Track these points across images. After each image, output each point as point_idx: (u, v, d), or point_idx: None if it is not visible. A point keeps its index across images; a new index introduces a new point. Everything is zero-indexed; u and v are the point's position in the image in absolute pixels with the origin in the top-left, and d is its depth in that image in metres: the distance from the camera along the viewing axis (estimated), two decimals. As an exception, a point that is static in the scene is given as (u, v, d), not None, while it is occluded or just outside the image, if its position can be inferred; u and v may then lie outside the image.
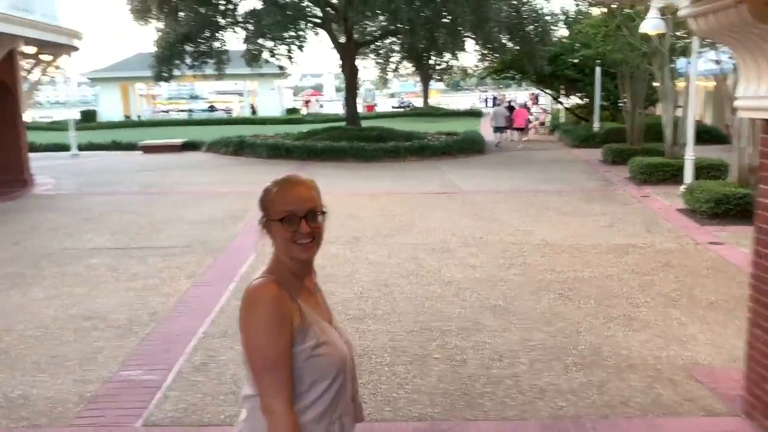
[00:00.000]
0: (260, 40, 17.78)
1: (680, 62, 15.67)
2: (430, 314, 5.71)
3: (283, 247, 1.73)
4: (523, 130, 24.02)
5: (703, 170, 12.70)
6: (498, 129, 23.08)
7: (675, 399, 4.13)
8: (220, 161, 18.73)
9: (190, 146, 22.03)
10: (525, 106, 30.56)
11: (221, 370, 4.57)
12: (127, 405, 4.11)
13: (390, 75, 48.27)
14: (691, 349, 4.91)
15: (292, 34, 18.36)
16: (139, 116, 46.49)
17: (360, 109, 56.79)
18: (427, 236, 8.90)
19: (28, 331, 5.43)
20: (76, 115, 52.70)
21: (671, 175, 13.34)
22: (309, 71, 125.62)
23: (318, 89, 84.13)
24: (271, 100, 47.22)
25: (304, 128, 25.37)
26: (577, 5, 18.91)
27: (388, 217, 10.28)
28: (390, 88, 77.50)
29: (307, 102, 58.84)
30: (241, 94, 53.06)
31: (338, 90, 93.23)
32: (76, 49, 14.27)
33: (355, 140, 19.24)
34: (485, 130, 26.13)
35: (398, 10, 15.27)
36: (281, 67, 20.87)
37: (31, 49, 12.15)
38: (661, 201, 11.50)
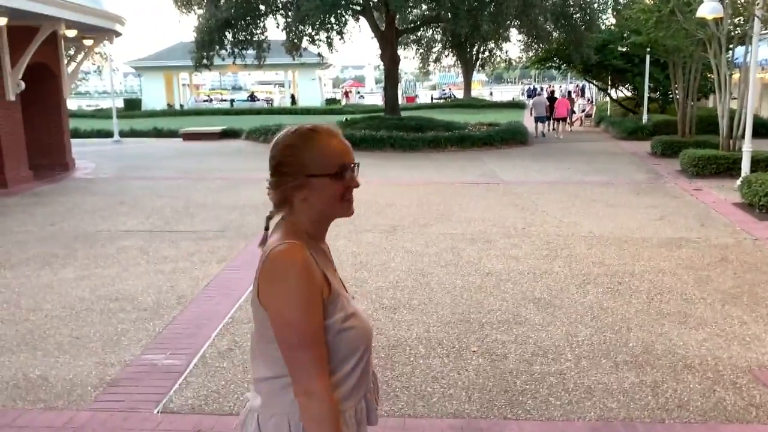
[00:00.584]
0: (300, 27, 17.53)
1: (737, 52, 14.85)
2: (468, 306, 5.39)
3: (328, 206, 1.53)
4: (564, 120, 23.22)
5: (761, 164, 12.01)
6: (539, 119, 22.30)
7: (740, 404, 3.73)
8: (259, 149, 18.63)
9: (229, 134, 22.08)
10: (568, 96, 29.82)
11: (247, 356, 4.34)
12: (148, 390, 3.92)
13: (431, 66, 47.99)
14: (755, 350, 4.48)
15: (332, 20, 18.12)
16: (181, 105, 47.09)
17: (401, 100, 57.03)
18: (466, 226, 8.56)
19: (54, 311, 5.32)
20: (120, 103, 53.94)
21: (726, 168, 12.69)
22: (351, 63, 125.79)
23: (360, 81, 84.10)
24: (311, 90, 47.28)
25: (344, 118, 25.14)
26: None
27: (426, 207, 9.96)
28: (431, 79, 77.00)
29: (347, 93, 58.76)
30: (282, 85, 53.34)
31: (378, 82, 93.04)
32: (119, 34, 14.29)
33: (395, 130, 18.93)
34: (528, 121, 25.50)
35: (441, -4, 14.88)
36: (320, 55, 20.64)
37: (72, 33, 12.17)
38: (715, 194, 10.89)
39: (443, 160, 16.17)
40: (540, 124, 22.43)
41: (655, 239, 7.81)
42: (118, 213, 9.51)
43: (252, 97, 52.66)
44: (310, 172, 1.50)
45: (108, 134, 22.59)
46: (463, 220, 8.93)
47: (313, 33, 18.97)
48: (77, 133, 23.87)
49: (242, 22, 17.73)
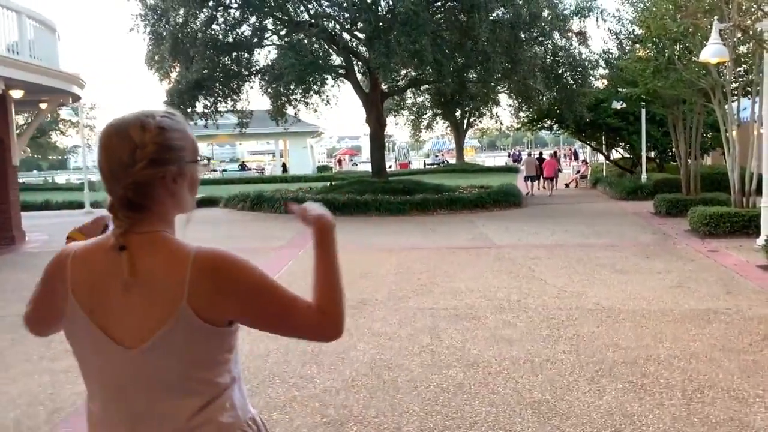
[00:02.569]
0: (277, 88, 16.68)
1: (740, 104, 13.96)
2: (444, 416, 4.00)
3: (191, 198, 1.38)
4: (552, 179, 24.10)
5: (780, 221, 10.79)
6: (528, 178, 23.41)
7: None
8: (235, 216, 17.49)
9: (207, 202, 20.91)
10: (554, 156, 29.48)
11: None
12: None
13: (423, 132, 47.68)
14: None
15: (309, 80, 17.34)
16: (170, 176, 46.26)
17: (393, 167, 56.54)
18: (450, 299, 7.22)
19: None
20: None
21: (741, 226, 11.47)
22: (348, 134, 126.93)
23: (356, 149, 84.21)
24: (302, 158, 46.73)
25: (328, 183, 24.10)
26: (620, 42, 17.31)
27: (407, 276, 8.64)
28: (423, 147, 77.12)
29: (340, 160, 58.39)
30: (274, 154, 52.92)
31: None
32: (77, 97, 13.34)
33: (381, 193, 17.81)
34: (522, 185, 24.60)
35: (422, 51, 14.02)
36: (298, 119, 19.78)
37: (18, 93, 11.16)
38: (735, 256, 9.60)
39: (431, 224, 14.95)
40: (530, 183, 23.32)
41: (677, 311, 6.46)
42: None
43: (243, 167, 52.14)
44: (189, 158, 1.32)
45: (80, 206, 21.45)
46: (447, 292, 7.59)
47: (291, 95, 18.10)
48: (49, 205, 22.84)
49: (216, 84, 16.88)
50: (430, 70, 14.94)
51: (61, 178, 61.01)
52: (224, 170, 54.48)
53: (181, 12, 16.40)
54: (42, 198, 23.85)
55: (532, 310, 6.66)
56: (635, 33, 16.01)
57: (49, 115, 38.03)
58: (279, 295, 1.32)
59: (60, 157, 78.21)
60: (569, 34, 20.71)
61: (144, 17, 17.67)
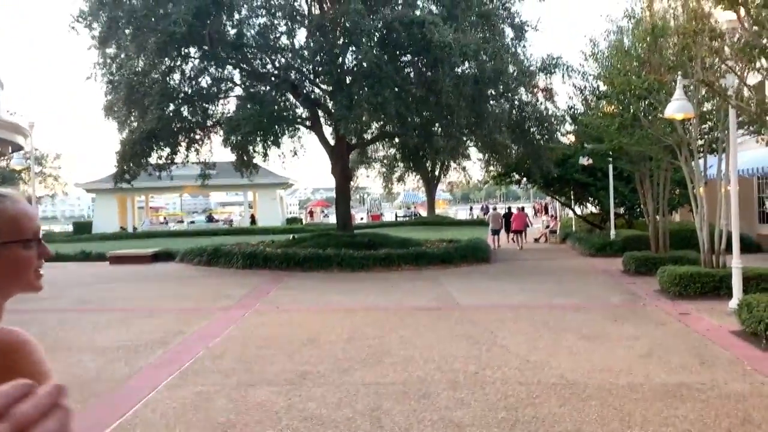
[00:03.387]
0: (236, 139, 16.15)
1: (707, 161, 13.79)
2: None
3: (21, 279, 1.28)
4: (521, 232, 24.03)
5: (751, 282, 10.40)
6: (494, 232, 23.94)
7: None
8: (189, 272, 16.64)
9: (164, 256, 20.05)
10: (522, 210, 29.40)
11: None
12: None
13: (395, 184, 47.53)
14: None
15: (272, 136, 16.91)
16: (134, 228, 45.21)
17: (365, 219, 56.07)
18: (401, 371, 6.53)
19: None
20: (69, 227, 51.84)
21: (712, 287, 11.09)
22: (322, 186, 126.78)
23: (329, 201, 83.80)
24: (271, 210, 46.03)
25: (291, 236, 23.38)
26: (585, 98, 17.22)
27: (358, 342, 7.94)
28: (396, 199, 77.01)
29: (311, 212, 57.75)
30: (243, 205, 52.13)
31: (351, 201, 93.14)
32: (18, 147, 12.63)
33: (344, 247, 17.19)
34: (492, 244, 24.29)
35: (385, 104, 13.67)
36: (255, 169, 19.22)
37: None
38: (707, 320, 9.12)
39: (395, 280, 14.31)
40: (495, 237, 23.79)
41: (647, 387, 5.87)
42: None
43: (210, 218, 51.16)
44: (2, 239, 1.25)
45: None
46: (399, 362, 6.91)
47: (250, 145, 17.57)
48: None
49: (170, 135, 16.29)
50: (395, 122, 14.58)
51: (50, 227, 59.44)
52: (192, 222, 53.56)
53: (140, 62, 15.94)
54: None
55: (490, 385, 6.01)
56: (600, 89, 15.89)
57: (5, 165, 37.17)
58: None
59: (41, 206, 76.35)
60: (535, 90, 20.73)
61: (102, 65, 17.17)
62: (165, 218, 57.03)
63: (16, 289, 1.29)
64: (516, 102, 19.86)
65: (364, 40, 13.29)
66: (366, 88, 14.07)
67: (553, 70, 20.72)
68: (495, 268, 16.97)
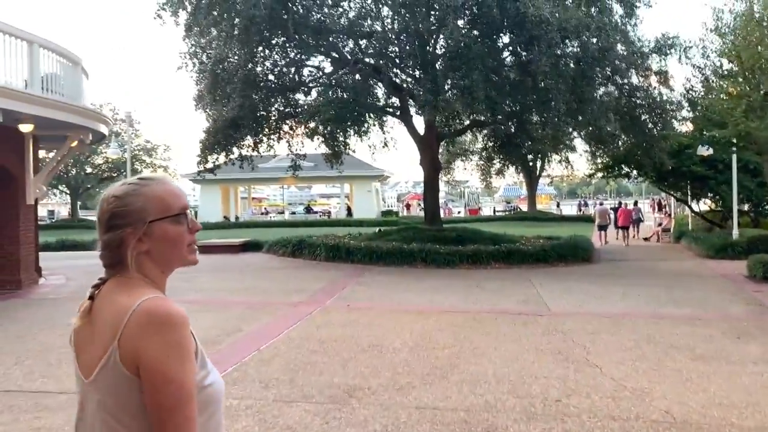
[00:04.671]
0: (316, 128, 15.54)
1: None
2: None
3: (172, 254, 1.42)
4: (627, 228, 23.25)
5: None
6: (602, 227, 23.02)
7: None
8: (272, 263, 16.30)
9: (252, 246, 19.95)
10: (635, 205, 27.56)
11: None
12: None
13: (493, 178, 45.80)
14: None
15: (354, 124, 16.19)
16: (237, 217, 46.43)
17: (463, 213, 54.65)
18: (467, 393, 5.51)
19: None
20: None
21: None
22: (422, 179, 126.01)
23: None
24: (367, 202, 45.78)
25: (377, 229, 22.62)
26: (706, 78, 15.18)
27: (424, 351, 6.98)
28: (497, 193, 74.85)
29: (408, 205, 57.12)
30: (346, 197, 52.33)
31: (449, 195, 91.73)
32: (100, 135, 12.63)
33: (430, 242, 16.22)
34: (598, 240, 22.61)
35: (474, 87, 12.51)
36: (337, 154, 18.55)
37: (26, 128, 10.44)
38: None
39: (481, 279, 13.18)
40: (602, 233, 22.80)
41: (784, 434, 4.52)
42: (2, 354, 7.01)
43: (308, 209, 51.73)
44: (151, 217, 1.38)
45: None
46: (467, 380, 5.88)
47: (331, 134, 16.90)
48: (89, 245, 22.49)
49: (252, 123, 15.94)
50: (484, 108, 13.39)
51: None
52: (293, 212, 54.56)
53: (224, 49, 15.70)
54: (93, 237, 23.56)
55: (573, 418, 4.87)
56: (723, 68, 13.89)
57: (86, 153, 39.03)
58: (166, 393, 1.26)
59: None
60: (647, 73, 18.74)
61: (192, 55, 17.12)
62: (266, 209, 58.41)
63: (173, 264, 1.45)
64: (625, 86, 18.00)
65: (450, 17, 12.20)
66: (453, 71, 12.99)
67: (668, 51, 18.61)
68: (596, 269, 15.40)
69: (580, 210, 52.20)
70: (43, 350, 7.04)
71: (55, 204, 73.78)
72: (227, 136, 15.82)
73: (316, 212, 52.44)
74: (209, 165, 16.93)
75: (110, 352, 1.29)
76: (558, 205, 56.09)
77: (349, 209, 46.96)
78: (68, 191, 48.98)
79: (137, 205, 1.37)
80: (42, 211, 75.13)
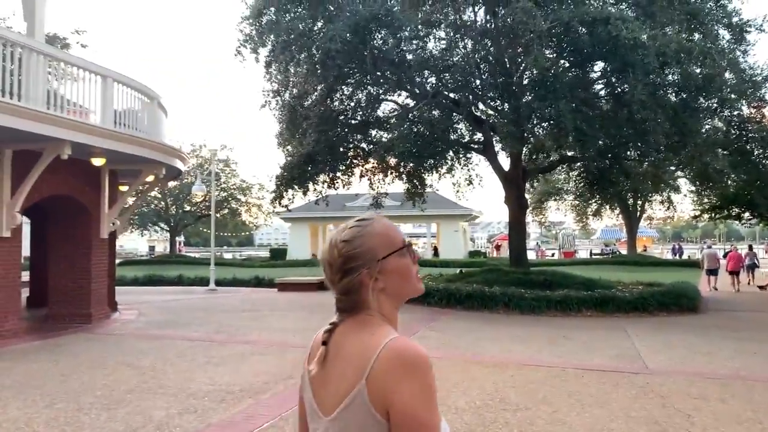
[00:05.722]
0: (389, 163, 14.96)
1: None
2: None
3: (405, 285, 1.42)
4: (737, 273, 22.20)
5: None
6: (710, 272, 22.10)
7: None
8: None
9: (323, 286, 19.52)
10: (750, 250, 26.09)
11: None
12: None
13: (590, 218, 43.58)
14: None
15: (431, 159, 15.49)
16: (324, 255, 46.62)
17: (557, 255, 52.28)
18: (535, 472, 4.52)
19: None
20: (265, 252, 55.19)
21: None
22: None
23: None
24: (454, 242, 44.74)
25: (458, 270, 21.62)
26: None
27: (490, 414, 6.00)
28: (593, 233, 71.48)
29: (498, 246, 55.38)
30: (432, 236, 51.57)
31: (543, 237, 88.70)
32: (178, 171, 12.63)
33: (516, 285, 15.08)
34: (706, 288, 20.64)
35: (560, 117, 11.50)
36: (418, 192, 17.82)
37: (98, 161, 10.50)
38: None
39: (569, 328, 11.93)
40: (712, 278, 21.93)
41: None
42: (39, 394, 6.69)
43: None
44: (381, 254, 1.39)
45: (207, 282, 21.06)
46: (539, 454, 4.88)
47: (407, 170, 16.25)
48: (181, 281, 22.88)
49: (327, 158, 15.56)
50: (572, 140, 12.32)
51: (247, 252, 64.81)
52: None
53: (313, 86, 15.55)
54: (179, 273, 24.04)
55: None
56: None
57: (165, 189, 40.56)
58: None
59: (247, 233, 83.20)
60: (761, 103, 17.00)
61: (275, 93, 17.16)
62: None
63: (403, 295, 1.43)
64: (735, 118, 16.35)
65: (535, 44, 11.35)
66: (538, 101, 12.07)
67: (783, 79, 16.85)
68: (703, 320, 13.70)
69: (675, 255, 48.62)
70: (81, 391, 6.65)
71: (157, 240, 77.55)
72: (303, 172, 15.55)
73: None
74: (285, 201, 16.72)
75: (357, 391, 1.28)
76: (676, 250, 52.01)
77: (435, 249, 46.08)
78: (167, 228, 51.17)
79: (367, 246, 1.39)
80: (143, 247, 79.31)
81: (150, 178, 12.41)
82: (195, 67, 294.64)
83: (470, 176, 19.37)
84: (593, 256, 49.01)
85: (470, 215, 45.92)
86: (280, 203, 16.67)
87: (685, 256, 47.23)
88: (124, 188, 12.50)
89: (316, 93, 14.86)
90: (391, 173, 16.82)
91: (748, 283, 23.17)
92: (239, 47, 14.97)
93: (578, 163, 17.49)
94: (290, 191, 16.36)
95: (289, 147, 16.26)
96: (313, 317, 13.13)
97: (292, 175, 15.57)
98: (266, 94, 17.19)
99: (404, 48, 14.93)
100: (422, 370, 1.26)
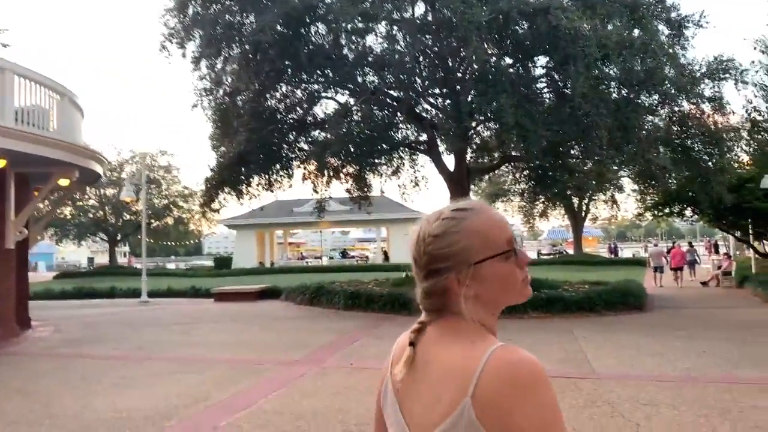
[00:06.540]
0: (323, 163, 14.22)
1: None
2: None
3: (505, 293, 1.20)
4: (680, 270, 22.64)
5: None
6: (657, 269, 22.75)
7: None
8: (286, 312, 14.90)
9: (270, 294, 18.65)
10: (690, 246, 27.15)
11: None
12: None
13: (536, 220, 43.83)
14: None
15: (369, 158, 14.87)
16: (272, 263, 45.50)
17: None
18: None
19: None
20: (208, 261, 53.68)
21: None
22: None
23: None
24: (405, 245, 44.19)
25: (404, 274, 21.07)
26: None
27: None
28: (541, 234, 72.41)
29: (449, 249, 55.32)
30: (382, 240, 51.06)
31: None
32: (97, 175, 11.64)
33: (461, 289, 14.55)
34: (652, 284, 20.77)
35: (501, 113, 11.04)
36: (363, 196, 17.19)
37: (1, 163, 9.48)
38: None
39: (514, 331, 11.42)
40: (658, 275, 22.44)
41: None
42: None
43: (344, 254, 50.56)
44: (476, 258, 1.17)
45: (140, 294, 19.85)
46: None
47: (341, 170, 15.58)
48: (111, 293, 21.60)
49: (260, 159, 14.71)
50: (514, 136, 11.88)
51: (193, 262, 63.05)
52: (331, 257, 53.64)
53: (244, 83, 14.68)
54: (111, 285, 22.70)
55: None
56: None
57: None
58: None
59: (195, 242, 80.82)
60: (700, 99, 17.00)
61: (208, 92, 16.22)
62: (302, 254, 57.56)
63: (502, 303, 1.23)
64: (676, 114, 16.28)
65: (473, 35, 10.86)
66: (478, 95, 11.60)
67: (722, 76, 16.87)
68: (651, 319, 13.46)
69: (612, 254, 49.70)
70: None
71: (98, 251, 74.60)
72: (235, 173, 14.68)
73: (352, 257, 51.20)
74: (216, 206, 15.78)
75: (461, 408, 1.09)
76: (612, 248, 53.12)
77: (385, 253, 45.54)
78: (107, 238, 49.12)
79: (460, 245, 1.18)
80: (79, 257, 76.21)
81: (64, 182, 11.37)
82: (139, 66, 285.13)
83: (416, 178, 18.85)
84: (541, 257, 49.33)
85: (420, 218, 45.48)
86: (210, 208, 15.72)
87: (628, 255, 48.10)
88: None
89: (249, 90, 14.02)
90: (333, 176, 16.11)
91: (690, 279, 23.43)
92: (164, 42, 14.03)
93: (522, 162, 17.17)
94: (221, 195, 15.46)
95: (222, 148, 15.34)
96: (248, 329, 12.31)
97: (223, 177, 14.67)
98: (198, 93, 16.26)
99: (342, 43, 14.27)
100: (543, 385, 1.08)
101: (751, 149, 18.04)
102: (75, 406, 6.37)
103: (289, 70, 14.00)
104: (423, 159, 18.98)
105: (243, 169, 14.74)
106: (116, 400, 6.58)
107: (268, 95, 14.73)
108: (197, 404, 6.37)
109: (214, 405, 6.37)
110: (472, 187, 19.62)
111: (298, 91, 15.47)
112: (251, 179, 15.63)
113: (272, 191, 16.37)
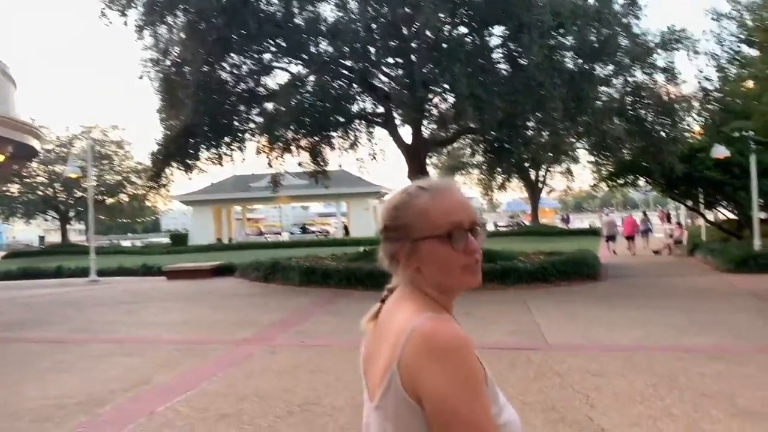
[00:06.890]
0: (274, 134, 13.80)
1: None
2: None
3: (445, 275, 1.22)
4: (632, 238, 23.32)
5: None
6: (609, 238, 23.53)
7: None
8: (238, 289, 14.58)
9: (225, 270, 18.26)
10: (644, 215, 27.51)
11: None
12: None
13: (495, 192, 44.12)
14: None
15: (324, 129, 14.52)
16: (230, 239, 44.82)
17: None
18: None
19: None
20: (166, 238, 52.64)
21: None
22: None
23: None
24: (365, 220, 44.11)
25: (361, 248, 20.88)
26: (721, 68, 13.47)
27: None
28: (499, 206, 73.18)
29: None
30: (343, 215, 50.74)
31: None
32: (33, 150, 11.05)
33: (419, 262, 14.44)
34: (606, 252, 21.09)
35: (455, 83, 10.83)
36: (323, 173, 16.86)
37: None
38: None
39: (468, 304, 11.30)
40: (611, 243, 23.23)
41: None
42: None
43: (304, 229, 50.13)
44: (416, 235, 1.23)
45: (104, 272, 19.18)
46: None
47: (292, 142, 15.20)
48: (60, 273, 20.89)
49: (207, 132, 14.21)
50: (469, 108, 11.70)
51: (150, 239, 61.68)
52: (292, 233, 53.05)
53: (190, 52, 14.08)
54: (58, 264, 21.93)
55: None
56: (742, 54, 12.20)
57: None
58: (455, 429, 1.06)
59: (152, 219, 78.80)
60: (653, 69, 17.07)
61: (154, 62, 15.55)
62: (261, 230, 56.86)
63: (447, 286, 1.24)
64: (629, 84, 16.34)
65: (426, 3, 10.57)
66: (432, 64, 11.36)
67: (675, 47, 16.95)
68: (604, 289, 13.60)
69: (565, 224, 50.84)
70: None
71: (50, 230, 72.41)
72: (182, 146, 14.16)
73: (312, 232, 50.80)
74: (163, 180, 15.24)
75: (390, 374, 1.14)
76: (565, 219, 54.14)
77: (345, 228, 45.33)
78: (58, 216, 47.61)
79: (404, 221, 1.25)
80: (33, 237, 73.93)
81: (-2, 158, 10.77)
82: (91, 40, 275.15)
83: (374, 151, 18.58)
84: (499, 228, 49.82)
85: (380, 192, 45.34)
86: (157, 183, 15.19)
87: (584, 225, 48.95)
88: None
89: (195, 60, 13.46)
90: (286, 149, 15.70)
91: (643, 248, 23.89)
92: (104, 9, 13.33)
93: (478, 135, 17.05)
94: (168, 169, 14.92)
95: (170, 121, 14.75)
96: (198, 308, 11.98)
97: (170, 150, 14.14)
98: (144, 63, 15.58)
99: (295, 11, 13.79)
100: (453, 355, 1.08)
101: (702, 119, 18.23)
102: (2, 393, 6.02)
103: (238, 39, 13.48)
104: (381, 132, 18.72)
105: (190, 141, 14.23)
106: (49, 386, 6.25)
107: (216, 66, 14.18)
108: (136, 388, 6.09)
109: (154, 388, 6.10)
110: (430, 160, 19.42)
111: (249, 62, 14.94)
112: (199, 152, 15.11)
113: (222, 165, 15.90)
